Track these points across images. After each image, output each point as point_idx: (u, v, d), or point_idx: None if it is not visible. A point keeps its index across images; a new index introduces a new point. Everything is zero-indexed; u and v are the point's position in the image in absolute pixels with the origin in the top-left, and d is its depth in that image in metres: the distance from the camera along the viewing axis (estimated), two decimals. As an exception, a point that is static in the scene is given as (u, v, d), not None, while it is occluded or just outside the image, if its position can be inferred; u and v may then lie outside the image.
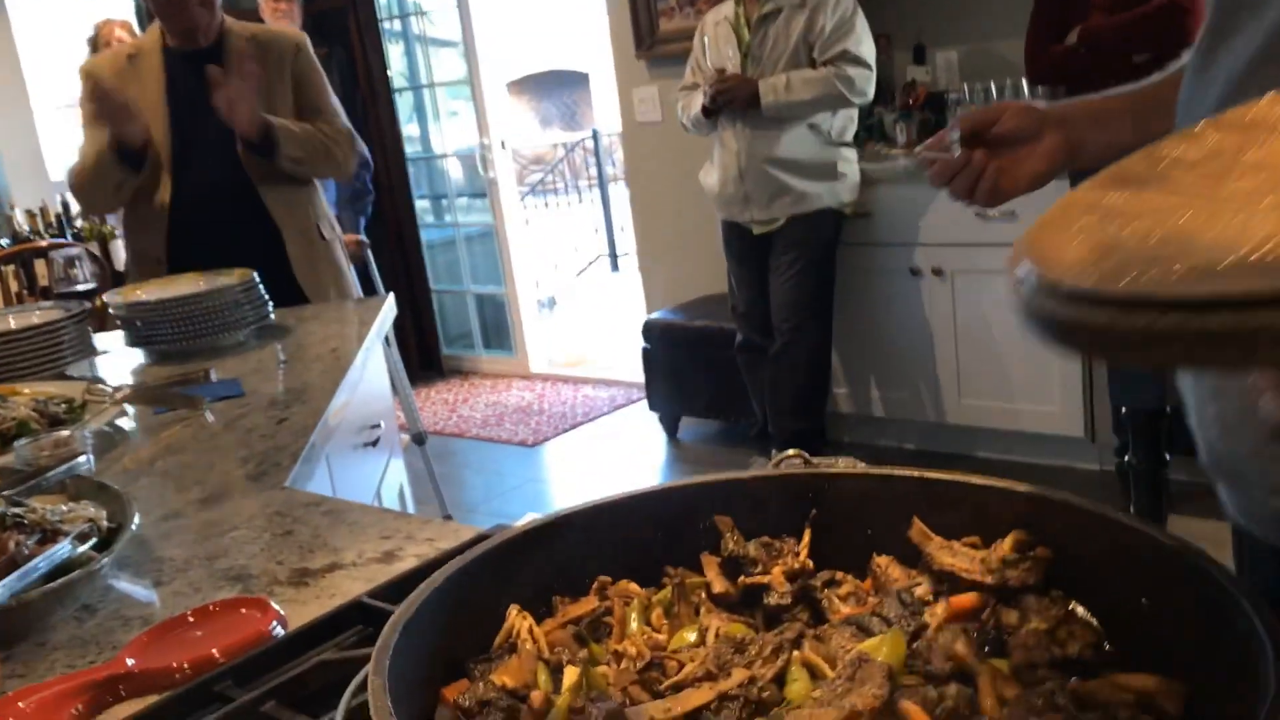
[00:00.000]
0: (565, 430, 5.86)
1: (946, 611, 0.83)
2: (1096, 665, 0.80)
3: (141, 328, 2.61)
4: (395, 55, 6.92)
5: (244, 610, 1.25)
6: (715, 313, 5.00)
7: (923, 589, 0.86)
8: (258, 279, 2.71)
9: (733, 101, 4.02)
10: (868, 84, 4.04)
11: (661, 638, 0.86)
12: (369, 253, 5.16)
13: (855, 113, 4.24)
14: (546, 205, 12.19)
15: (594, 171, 10.94)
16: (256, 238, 3.05)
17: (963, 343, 4.43)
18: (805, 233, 4.17)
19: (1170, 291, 0.51)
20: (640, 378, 5.50)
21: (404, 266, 6.91)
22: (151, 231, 3.08)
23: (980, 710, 0.72)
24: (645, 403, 5.56)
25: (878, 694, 0.69)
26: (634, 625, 0.86)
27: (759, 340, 4.46)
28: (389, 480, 2.66)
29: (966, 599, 0.84)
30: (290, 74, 3.15)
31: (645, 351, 5.32)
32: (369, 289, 4.49)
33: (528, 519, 0.94)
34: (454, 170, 7.25)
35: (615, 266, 9.86)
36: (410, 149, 7.00)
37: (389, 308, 2.89)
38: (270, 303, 2.74)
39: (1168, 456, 2.54)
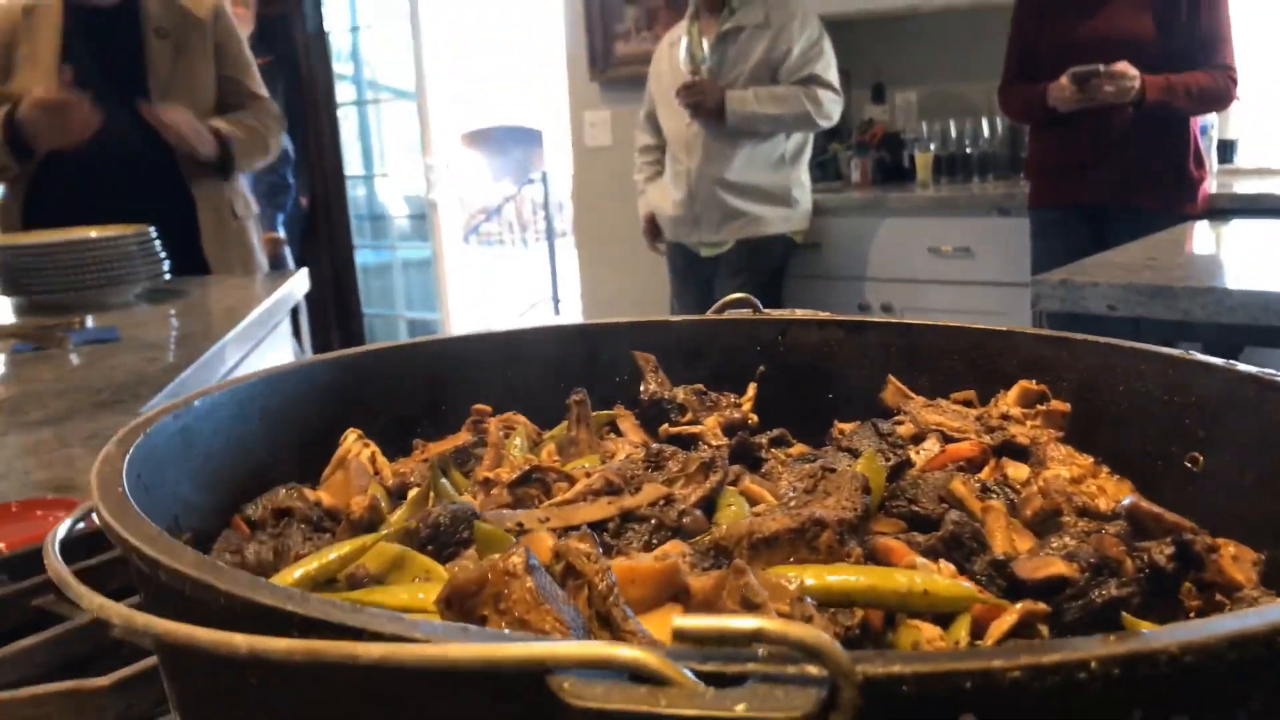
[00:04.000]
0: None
1: (938, 454, 0.61)
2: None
3: (16, 273, 2.34)
4: (341, 70, 6.71)
5: (44, 512, 1.01)
6: (655, 344, 4.80)
7: (906, 427, 0.64)
8: (154, 233, 2.46)
9: (699, 107, 3.84)
10: (835, 107, 3.89)
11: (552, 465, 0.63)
12: (286, 250, 4.87)
13: (810, 139, 4.09)
14: (492, 253, 11.98)
15: (541, 226, 10.76)
16: (165, 209, 2.77)
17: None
18: (754, 257, 3.99)
19: None
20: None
21: (334, 286, 6.62)
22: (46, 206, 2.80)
23: (989, 547, 0.50)
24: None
25: (848, 505, 0.47)
26: (515, 452, 0.63)
27: (699, 370, 4.24)
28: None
29: (964, 447, 0.63)
30: (211, 42, 2.91)
31: (580, 382, 5.09)
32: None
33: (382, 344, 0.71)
34: (395, 200, 7.03)
35: (557, 311, 9.63)
36: (350, 170, 6.75)
37: (300, 280, 2.65)
38: (167, 260, 2.48)
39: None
